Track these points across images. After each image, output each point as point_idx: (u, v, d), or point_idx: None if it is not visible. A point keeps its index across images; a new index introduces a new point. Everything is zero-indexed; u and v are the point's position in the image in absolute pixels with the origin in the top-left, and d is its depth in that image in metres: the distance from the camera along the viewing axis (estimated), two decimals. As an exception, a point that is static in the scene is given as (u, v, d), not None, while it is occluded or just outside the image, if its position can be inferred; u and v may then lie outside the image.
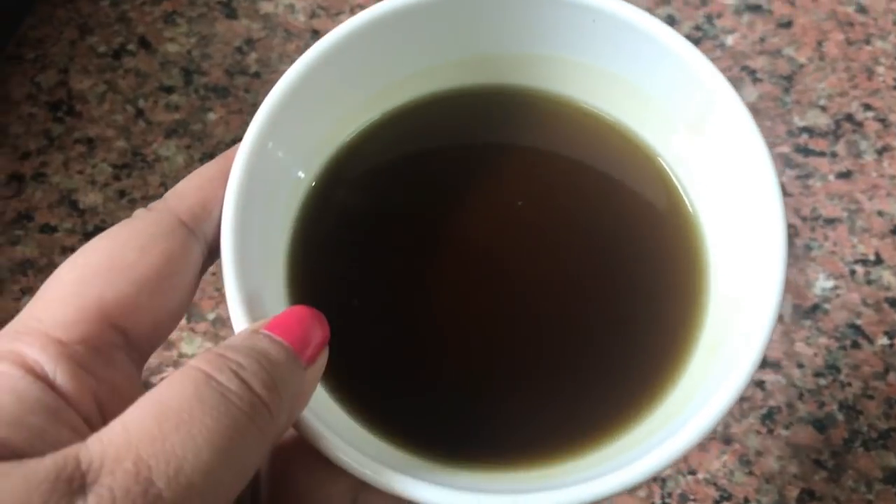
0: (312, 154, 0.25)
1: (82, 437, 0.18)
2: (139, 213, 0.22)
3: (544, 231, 0.26)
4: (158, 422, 0.17)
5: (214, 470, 0.17)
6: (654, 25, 0.24)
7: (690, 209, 0.25)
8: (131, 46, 0.43)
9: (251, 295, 0.22)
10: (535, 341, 0.25)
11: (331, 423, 0.21)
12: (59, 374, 0.19)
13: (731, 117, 0.23)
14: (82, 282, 0.20)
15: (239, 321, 0.22)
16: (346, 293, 0.25)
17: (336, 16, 0.44)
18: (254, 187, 0.23)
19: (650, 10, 0.44)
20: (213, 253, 0.23)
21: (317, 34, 0.43)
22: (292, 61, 0.46)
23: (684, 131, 0.25)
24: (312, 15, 0.44)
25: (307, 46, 0.43)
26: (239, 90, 0.42)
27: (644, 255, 0.25)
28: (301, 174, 0.25)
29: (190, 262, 0.22)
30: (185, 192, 0.23)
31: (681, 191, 0.25)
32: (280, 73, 0.24)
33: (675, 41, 0.23)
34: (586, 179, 0.26)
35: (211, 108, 0.42)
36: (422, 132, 0.27)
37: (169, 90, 0.42)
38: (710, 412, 0.20)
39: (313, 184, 0.25)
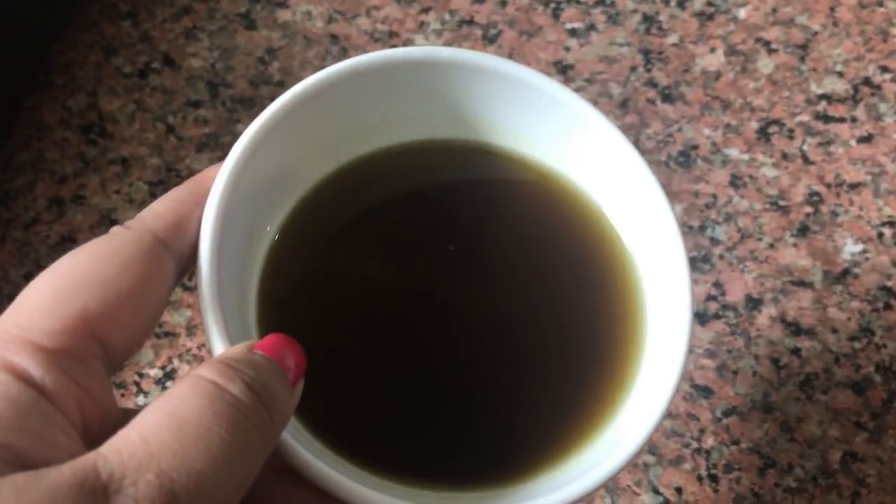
0: (282, 201, 0.27)
1: (75, 441, 0.19)
2: (116, 230, 0.23)
3: (497, 274, 0.28)
4: (177, 436, 0.18)
5: (229, 482, 0.18)
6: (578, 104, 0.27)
7: (628, 250, 0.28)
8: (156, 64, 0.44)
9: (226, 317, 0.23)
10: (488, 376, 0.27)
11: (297, 439, 0.23)
12: (47, 380, 0.19)
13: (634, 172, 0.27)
14: (66, 292, 0.21)
15: (218, 342, 0.23)
16: (313, 322, 0.27)
17: (353, 19, 0.45)
18: (232, 209, 0.24)
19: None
20: (184, 270, 0.24)
21: (335, 39, 0.44)
22: (314, 67, 0.47)
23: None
24: (330, 20, 0.45)
25: (327, 52, 0.44)
26: (264, 100, 0.43)
27: (586, 292, 0.28)
28: (270, 223, 0.27)
29: (165, 279, 0.23)
30: (161, 212, 0.23)
31: (616, 229, 0.28)
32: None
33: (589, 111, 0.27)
34: (534, 225, 0.29)
35: (239, 119, 0.43)
36: (384, 181, 0.29)
37: (196, 105, 0.43)
38: (634, 440, 0.24)
39: (275, 238, 0.27)
